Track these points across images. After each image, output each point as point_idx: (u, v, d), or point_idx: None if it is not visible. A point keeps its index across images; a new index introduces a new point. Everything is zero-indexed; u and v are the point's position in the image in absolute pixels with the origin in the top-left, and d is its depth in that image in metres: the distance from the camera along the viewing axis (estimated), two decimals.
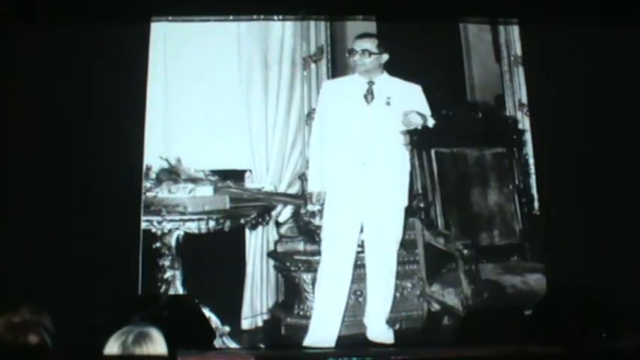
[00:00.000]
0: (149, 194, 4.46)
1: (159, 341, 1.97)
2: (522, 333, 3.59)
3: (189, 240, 4.42)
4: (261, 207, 4.54)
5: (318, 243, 4.41)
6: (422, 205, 4.44)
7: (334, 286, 4.29)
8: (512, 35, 4.84)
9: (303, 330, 4.29)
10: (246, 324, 4.40)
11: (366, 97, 4.45)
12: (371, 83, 4.46)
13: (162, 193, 4.47)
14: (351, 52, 4.52)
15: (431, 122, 4.46)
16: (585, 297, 3.53)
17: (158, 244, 4.39)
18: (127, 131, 4.38)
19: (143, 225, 4.37)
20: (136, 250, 4.30)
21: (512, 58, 4.83)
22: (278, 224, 4.54)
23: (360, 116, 4.42)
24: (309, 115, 4.61)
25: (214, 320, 4.25)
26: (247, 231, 4.51)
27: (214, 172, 4.56)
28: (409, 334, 4.36)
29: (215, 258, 4.38)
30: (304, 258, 4.43)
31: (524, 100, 4.73)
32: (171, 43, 4.62)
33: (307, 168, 4.52)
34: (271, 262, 4.49)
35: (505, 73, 4.83)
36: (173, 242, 4.40)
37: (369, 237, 4.34)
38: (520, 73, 4.78)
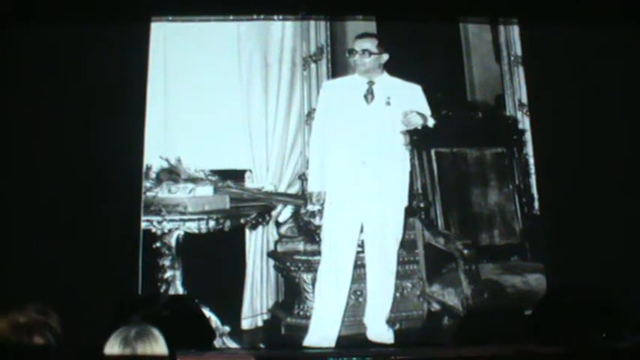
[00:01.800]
0: (149, 194, 4.46)
1: (160, 340, 1.98)
2: (522, 333, 3.60)
3: (189, 240, 4.42)
4: (261, 207, 4.54)
5: (318, 243, 4.41)
6: (422, 205, 4.44)
7: (334, 286, 4.29)
8: (512, 35, 4.84)
9: (303, 330, 4.29)
10: (246, 324, 4.40)
11: (366, 97, 4.45)
12: (371, 83, 4.46)
13: (162, 193, 4.47)
14: (351, 52, 4.53)
15: (431, 122, 4.46)
16: (585, 297, 3.53)
17: (158, 244, 4.39)
18: (127, 131, 4.38)
19: (143, 225, 4.37)
20: (136, 250, 4.30)
21: (512, 58, 4.83)
22: (278, 224, 4.54)
23: (360, 116, 4.42)
24: (309, 115, 4.61)
25: (214, 320, 4.25)
26: (247, 231, 4.51)
27: (214, 172, 4.56)
28: (409, 334, 4.36)
29: (215, 258, 4.38)
30: (304, 258, 4.43)
31: (524, 100, 4.73)
32: (171, 43, 4.62)
33: (307, 168, 4.52)
34: (271, 262, 4.49)
35: (505, 73, 4.83)
36: (173, 242, 4.40)
37: (369, 237, 4.33)
38: (520, 73, 4.78)
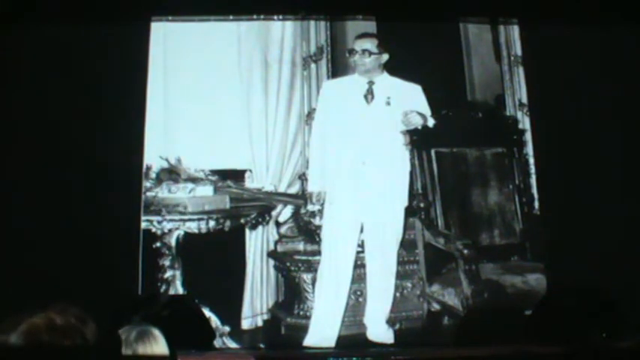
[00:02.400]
0: (149, 194, 4.46)
1: (160, 340, 1.99)
2: (522, 333, 3.59)
3: (189, 240, 4.42)
4: (261, 207, 4.54)
5: (318, 243, 4.41)
6: (422, 205, 4.44)
7: (334, 286, 4.29)
8: (512, 35, 4.83)
9: (303, 330, 4.29)
10: (246, 324, 4.40)
11: (366, 97, 4.44)
12: (371, 83, 4.45)
13: (162, 192, 4.47)
14: (351, 52, 4.52)
15: (431, 122, 4.45)
16: (585, 297, 3.53)
17: (158, 244, 4.39)
18: (127, 131, 4.38)
19: (143, 225, 4.37)
20: (136, 250, 4.30)
21: (512, 58, 4.82)
22: (278, 224, 4.54)
23: (360, 116, 4.42)
24: (309, 115, 4.61)
25: (214, 320, 4.25)
26: (247, 231, 4.51)
27: (214, 172, 4.56)
28: (409, 334, 4.36)
29: (215, 258, 4.38)
30: (304, 258, 4.43)
31: (524, 100, 4.73)
32: (171, 43, 4.62)
33: (307, 168, 4.52)
34: (271, 262, 4.49)
35: (505, 73, 4.83)
36: (173, 242, 4.40)
37: (369, 237, 4.33)
38: (520, 73, 4.78)
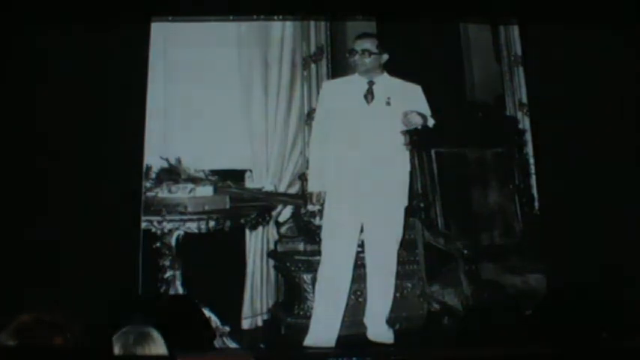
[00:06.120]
0: (149, 194, 4.46)
1: (159, 341, 1.99)
2: (522, 333, 3.60)
3: (189, 240, 4.43)
4: (261, 207, 4.55)
5: (318, 243, 4.39)
6: (422, 205, 4.44)
7: (334, 285, 4.27)
8: (512, 35, 4.84)
9: (303, 330, 4.28)
10: (246, 324, 4.40)
11: (366, 97, 4.43)
12: (371, 83, 4.44)
13: (163, 193, 4.48)
14: (351, 52, 4.51)
15: (431, 122, 4.44)
16: (585, 297, 3.54)
17: (158, 244, 4.40)
18: (127, 131, 4.39)
19: (143, 225, 4.38)
20: (136, 250, 4.30)
21: (512, 58, 4.83)
22: (278, 224, 4.54)
23: (360, 116, 4.41)
24: (309, 115, 4.61)
25: (214, 320, 4.26)
26: (247, 231, 4.51)
27: (214, 172, 4.56)
28: (409, 334, 4.35)
29: (215, 258, 4.39)
30: (304, 258, 4.43)
31: (524, 100, 4.74)
32: (171, 43, 4.63)
33: (307, 168, 4.52)
34: (271, 262, 4.50)
35: (505, 73, 4.84)
36: (173, 242, 4.40)
37: (369, 237, 4.32)
38: (520, 73, 4.78)
